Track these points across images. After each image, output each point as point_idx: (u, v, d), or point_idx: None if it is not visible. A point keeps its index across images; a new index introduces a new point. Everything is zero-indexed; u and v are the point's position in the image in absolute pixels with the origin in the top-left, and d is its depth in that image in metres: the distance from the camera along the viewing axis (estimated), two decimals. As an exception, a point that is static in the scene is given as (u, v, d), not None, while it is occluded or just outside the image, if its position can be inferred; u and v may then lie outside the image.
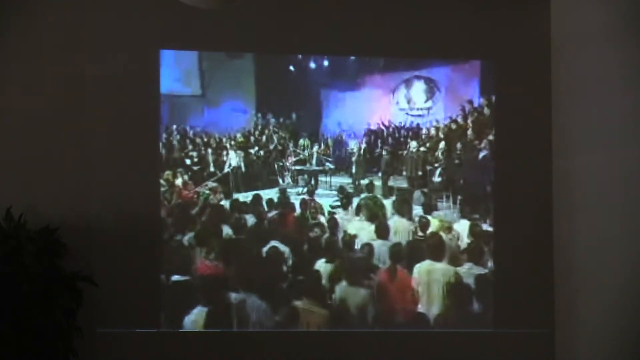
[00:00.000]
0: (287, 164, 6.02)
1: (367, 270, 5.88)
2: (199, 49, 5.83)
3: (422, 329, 5.84)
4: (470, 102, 6.03)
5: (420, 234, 5.98)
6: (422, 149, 6.06)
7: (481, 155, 6.02)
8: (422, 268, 5.91)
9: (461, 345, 5.82)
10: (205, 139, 5.93)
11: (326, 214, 5.95)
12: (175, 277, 5.73)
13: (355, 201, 5.99)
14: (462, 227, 6.00)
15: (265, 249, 5.82)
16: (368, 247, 5.92)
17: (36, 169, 5.50)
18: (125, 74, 5.63)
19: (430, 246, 5.95)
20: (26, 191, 5.44)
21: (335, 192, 6.04)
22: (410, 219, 6.00)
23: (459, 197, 6.01)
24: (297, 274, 5.83)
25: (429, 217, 6.00)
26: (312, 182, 6.04)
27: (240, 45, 5.83)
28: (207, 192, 5.86)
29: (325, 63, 6.02)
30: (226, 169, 5.96)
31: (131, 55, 5.65)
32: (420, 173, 6.05)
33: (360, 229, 5.96)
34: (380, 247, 5.93)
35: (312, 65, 6.01)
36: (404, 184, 6.05)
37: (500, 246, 5.90)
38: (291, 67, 5.99)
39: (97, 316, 5.43)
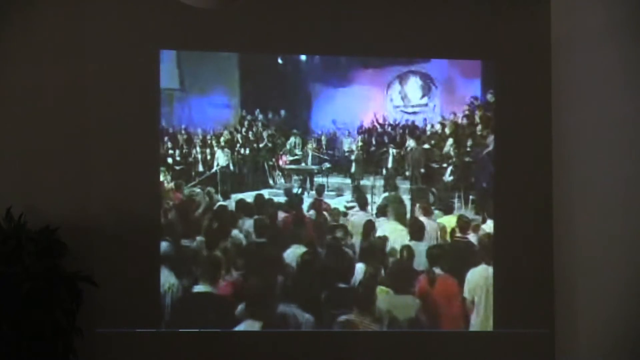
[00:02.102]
0: (281, 162, 5.95)
1: (411, 276, 5.78)
2: (199, 48, 5.82)
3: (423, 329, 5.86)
4: (476, 98, 6.00)
5: (458, 234, 5.90)
6: (425, 146, 6.01)
7: (485, 152, 5.99)
8: (476, 273, 5.82)
9: (461, 345, 5.82)
10: (186, 136, 5.83)
11: (348, 215, 5.86)
12: (200, 288, 5.71)
13: (368, 201, 5.91)
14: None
15: (296, 255, 5.76)
16: (407, 250, 5.83)
17: (36, 169, 5.51)
18: (125, 74, 5.64)
19: (486, 249, 5.85)
20: (26, 191, 5.45)
21: (342, 193, 5.96)
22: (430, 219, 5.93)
23: (470, 197, 5.96)
24: (335, 282, 5.77)
25: (469, 217, 5.91)
26: (308, 182, 5.97)
27: (241, 44, 5.82)
28: (198, 191, 5.82)
29: (317, 56, 5.96)
30: (215, 169, 5.87)
31: (131, 55, 5.65)
32: (422, 171, 5.98)
33: (385, 231, 5.86)
34: (418, 250, 5.83)
35: (302, 57, 5.94)
36: (407, 184, 6.00)
37: (500, 246, 5.90)
38: (279, 60, 5.91)
39: (97, 316, 5.44)
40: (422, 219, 5.89)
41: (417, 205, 5.91)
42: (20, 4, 5.56)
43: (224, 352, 5.64)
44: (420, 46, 5.96)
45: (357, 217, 5.89)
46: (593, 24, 5.51)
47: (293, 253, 5.79)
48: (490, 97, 5.99)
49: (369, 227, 5.86)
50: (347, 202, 5.92)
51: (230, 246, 5.75)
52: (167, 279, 5.67)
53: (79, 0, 5.65)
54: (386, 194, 5.94)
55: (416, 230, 5.86)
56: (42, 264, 5.10)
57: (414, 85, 6.05)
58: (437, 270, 5.82)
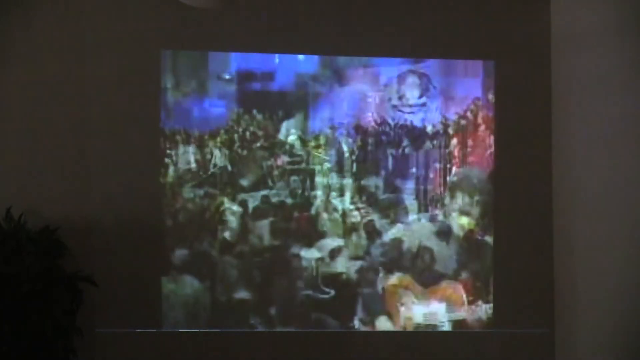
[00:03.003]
0: (280, 163, 5.91)
1: (434, 279, 5.78)
2: (200, 48, 5.82)
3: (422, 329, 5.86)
4: (478, 98, 5.99)
5: (478, 236, 5.88)
6: (429, 146, 6.00)
7: (489, 152, 5.98)
8: None
9: (461, 345, 5.82)
10: (185, 137, 5.78)
11: (358, 217, 5.83)
12: (219, 293, 5.70)
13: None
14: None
15: (314, 258, 5.75)
16: (429, 252, 5.82)
17: (36, 169, 5.50)
18: (126, 74, 5.63)
19: None
20: (26, 191, 5.44)
21: (343, 194, 5.91)
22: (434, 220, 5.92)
23: (476, 198, 5.95)
24: (357, 287, 5.77)
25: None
26: (309, 182, 5.95)
27: (241, 45, 5.82)
28: (199, 192, 5.79)
29: (315, 55, 5.94)
30: (214, 169, 5.81)
31: (132, 55, 5.65)
32: (427, 171, 5.95)
33: (396, 233, 5.84)
34: (439, 251, 5.81)
35: (300, 57, 5.91)
36: (409, 184, 5.96)
37: (500, 246, 5.90)
38: (277, 59, 5.88)
39: (97, 316, 5.44)
40: (446, 220, 5.88)
41: (438, 205, 5.89)
42: (20, 4, 5.56)
43: (225, 352, 5.64)
44: (420, 46, 5.96)
45: (367, 219, 5.86)
46: (593, 24, 5.51)
47: (310, 256, 5.79)
48: (491, 97, 5.98)
49: (381, 228, 5.85)
50: (354, 203, 5.89)
51: (246, 249, 5.75)
52: (189, 284, 5.69)
53: (80, 1, 5.65)
54: (389, 195, 5.92)
55: (442, 232, 5.85)
56: (42, 264, 5.09)
57: (413, 85, 6.02)
58: (461, 273, 5.83)
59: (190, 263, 5.71)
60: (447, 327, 5.81)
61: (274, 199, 5.82)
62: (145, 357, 5.56)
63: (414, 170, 5.94)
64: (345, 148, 5.93)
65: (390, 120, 5.97)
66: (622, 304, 5.18)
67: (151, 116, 5.70)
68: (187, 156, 5.79)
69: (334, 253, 5.80)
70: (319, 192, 5.88)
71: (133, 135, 5.62)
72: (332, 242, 5.80)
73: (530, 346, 5.84)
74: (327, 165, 5.92)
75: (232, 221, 5.78)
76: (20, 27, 5.56)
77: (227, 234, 5.76)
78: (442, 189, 5.95)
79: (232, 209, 5.79)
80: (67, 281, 5.13)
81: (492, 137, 5.97)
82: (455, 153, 5.99)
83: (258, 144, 5.86)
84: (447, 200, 5.93)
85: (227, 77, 5.85)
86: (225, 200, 5.79)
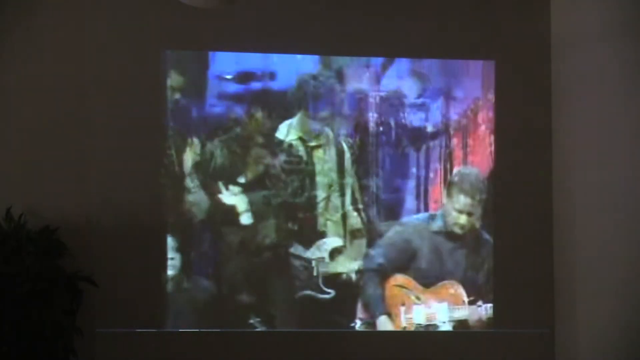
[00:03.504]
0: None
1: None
2: (201, 48, 5.81)
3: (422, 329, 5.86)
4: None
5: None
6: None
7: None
8: None
9: (461, 345, 5.82)
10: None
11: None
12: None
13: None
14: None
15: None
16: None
17: (36, 169, 5.50)
18: (127, 74, 5.63)
19: None
20: (26, 191, 5.44)
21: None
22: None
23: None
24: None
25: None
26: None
27: (241, 45, 5.82)
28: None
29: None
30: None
31: (132, 55, 5.65)
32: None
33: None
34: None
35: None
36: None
37: (500, 246, 5.90)
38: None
39: (97, 316, 5.44)
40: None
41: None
42: (21, 4, 5.56)
43: (225, 352, 5.64)
44: (420, 46, 5.96)
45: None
46: (593, 24, 5.52)
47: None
48: (491, 97, 5.98)
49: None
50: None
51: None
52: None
53: (81, 0, 5.65)
54: (389, 195, 5.91)
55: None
56: (42, 264, 5.09)
57: (413, 85, 6.03)
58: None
59: (190, 263, 5.71)
60: (447, 327, 5.82)
61: (274, 199, 5.81)
62: (146, 357, 5.55)
63: (414, 170, 5.94)
64: (345, 148, 5.93)
65: (390, 120, 5.97)
66: (622, 303, 5.18)
67: (151, 116, 5.70)
68: (187, 156, 5.79)
69: (334, 253, 5.81)
70: (319, 192, 5.87)
71: (133, 135, 5.62)
72: (332, 242, 5.81)
73: (530, 346, 5.84)
74: (327, 165, 5.92)
75: (232, 221, 5.78)
76: (20, 27, 5.56)
77: (226, 234, 5.76)
78: (442, 188, 5.95)
79: (231, 209, 5.80)
80: (67, 281, 5.14)
81: (492, 137, 5.97)
82: (456, 153, 5.99)
83: (258, 144, 5.86)
84: (447, 199, 5.93)
85: (227, 77, 5.85)
86: (225, 200, 5.79)
